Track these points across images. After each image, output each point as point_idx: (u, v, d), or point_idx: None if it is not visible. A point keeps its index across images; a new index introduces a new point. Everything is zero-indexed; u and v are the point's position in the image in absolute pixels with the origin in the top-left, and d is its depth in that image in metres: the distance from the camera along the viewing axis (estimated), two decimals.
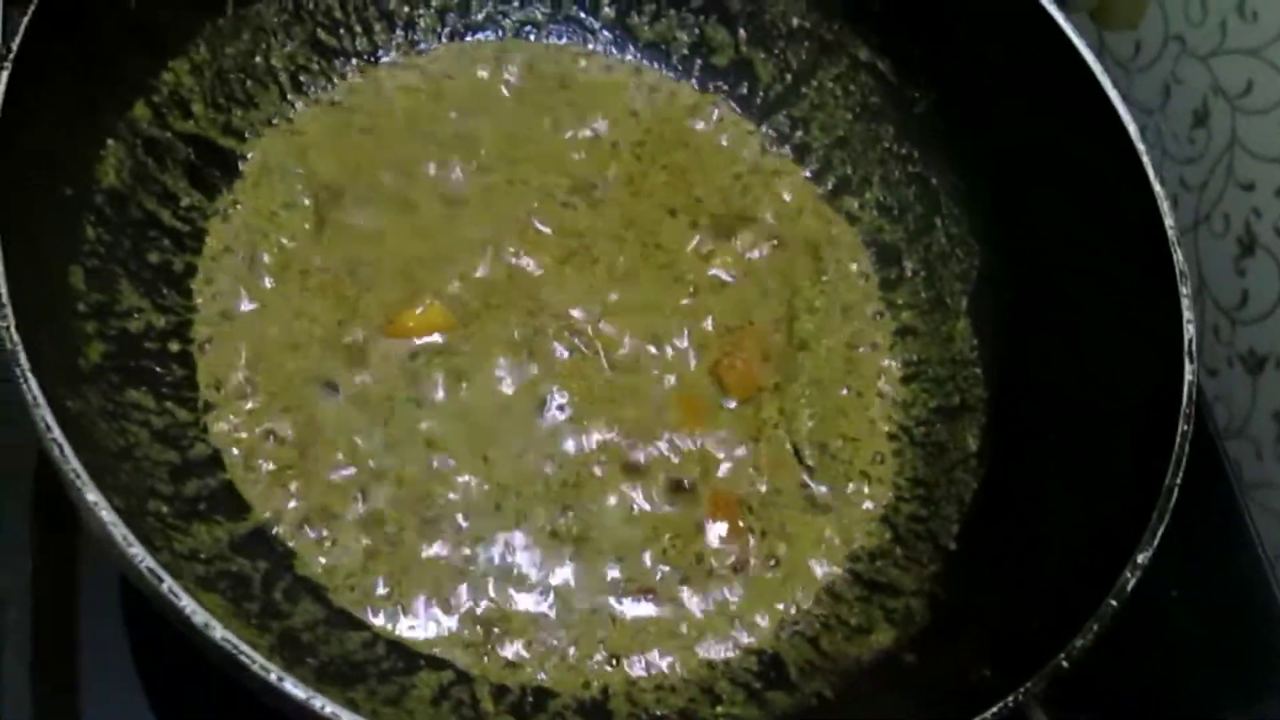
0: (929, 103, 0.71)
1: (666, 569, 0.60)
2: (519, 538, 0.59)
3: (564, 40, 0.74)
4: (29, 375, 0.45)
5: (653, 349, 0.65)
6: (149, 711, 0.56)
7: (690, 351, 0.66)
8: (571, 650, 0.57)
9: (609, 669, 0.57)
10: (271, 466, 0.58)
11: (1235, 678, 0.66)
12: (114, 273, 0.57)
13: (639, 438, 0.63)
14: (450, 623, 0.56)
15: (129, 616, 0.57)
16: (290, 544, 0.56)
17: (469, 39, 0.72)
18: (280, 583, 0.55)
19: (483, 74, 0.71)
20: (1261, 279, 0.75)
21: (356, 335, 0.62)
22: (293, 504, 0.57)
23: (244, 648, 0.43)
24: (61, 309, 0.54)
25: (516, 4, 0.73)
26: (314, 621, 0.54)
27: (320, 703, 0.42)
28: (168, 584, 0.43)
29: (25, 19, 0.52)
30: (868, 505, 0.64)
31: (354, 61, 0.69)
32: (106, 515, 0.44)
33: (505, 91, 0.71)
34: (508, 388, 0.62)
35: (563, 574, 0.58)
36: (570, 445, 0.62)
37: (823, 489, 0.64)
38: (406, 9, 0.71)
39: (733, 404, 0.65)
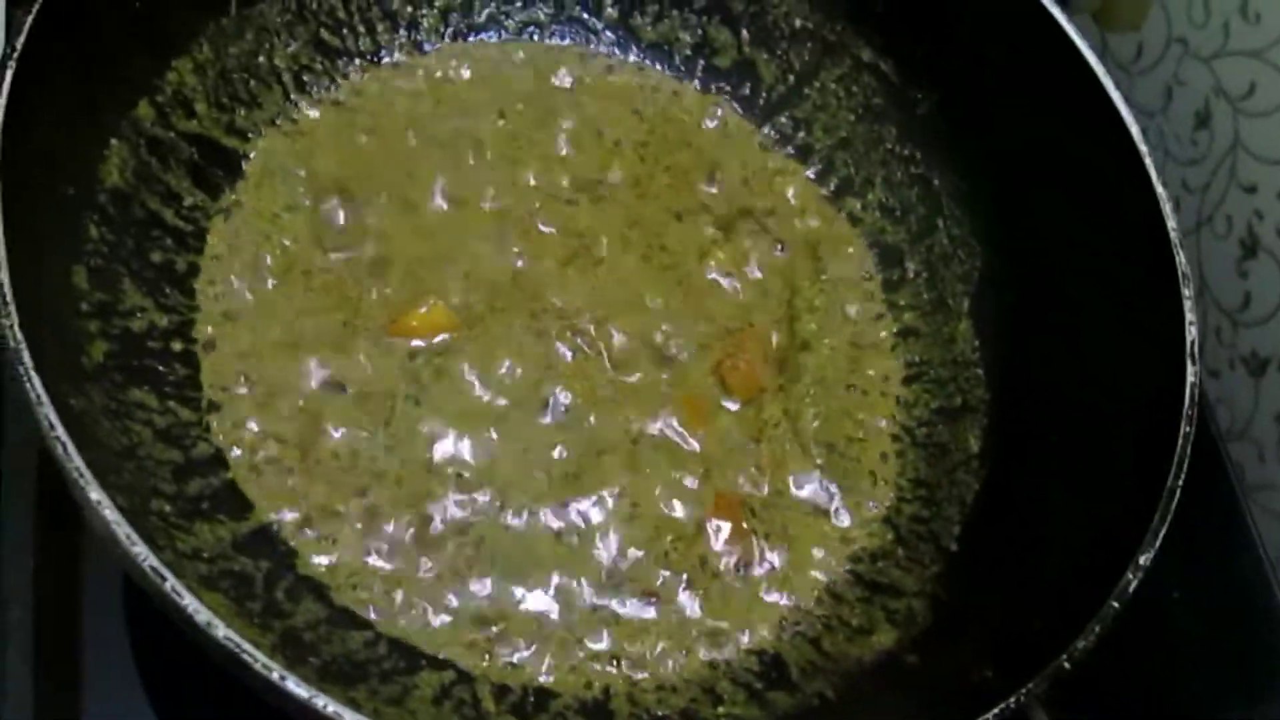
0: (931, 104, 0.71)
1: (668, 570, 0.60)
2: (521, 537, 0.59)
3: (567, 41, 0.74)
4: (32, 374, 0.45)
5: (655, 349, 0.65)
6: (150, 710, 0.56)
7: (693, 352, 0.66)
8: (573, 651, 0.57)
9: (611, 669, 0.57)
10: (274, 466, 0.58)
11: (1237, 679, 0.66)
12: (117, 272, 0.57)
13: (642, 437, 0.62)
14: (452, 623, 0.56)
15: (131, 615, 0.57)
16: (292, 543, 0.56)
17: (472, 39, 0.72)
18: (282, 582, 0.55)
19: (486, 75, 0.71)
20: (1264, 281, 0.75)
21: (359, 335, 0.62)
22: (295, 503, 0.57)
23: (246, 647, 0.43)
24: (64, 308, 0.54)
25: (519, 5, 0.73)
26: (316, 621, 0.54)
27: (323, 702, 0.42)
28: (170, 582, 0.43)
29: (29, 18, 0.52)
30: (870, 506, 0.64)
31: (357, 62, 0.69)
32: (110, 514, 0.44)
33: (508, 93, 0.71)
34: (510, 388, 0.62)
35: (564, 574, 0.58)
36: (572, 445, 0.61)
37: (826, 489, 0.64)
38: (410, 9, 0.71)
39: (735, 405, 0.65)
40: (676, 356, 0.65)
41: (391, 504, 0.58)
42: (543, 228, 0.67)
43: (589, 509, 0.60)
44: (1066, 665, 0.49)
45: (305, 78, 0.67)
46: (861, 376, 0.68)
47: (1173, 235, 0.59)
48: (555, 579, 0.58)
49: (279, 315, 0.61)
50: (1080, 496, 0.59)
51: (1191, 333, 0.56)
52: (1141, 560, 0.51)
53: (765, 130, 0.74)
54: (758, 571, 0.61)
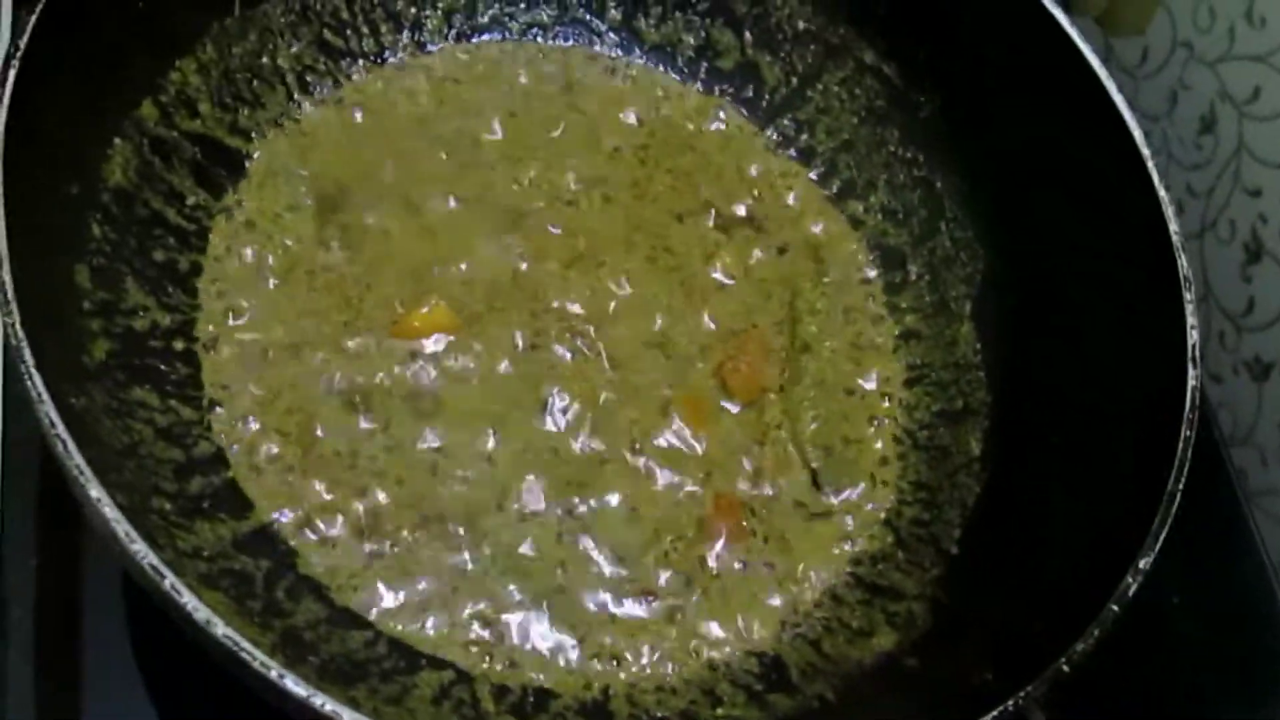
0: (934, 107, 0.71)
1: (668, 570, 0.60)
2: (520, 538, 0.59)
3: (570, 43, 0.74)
4: (34, 372, 0.46)
5: (656, 351, 0.65)
6: (151, 709, 0.56)
7: (694, 354, 0.66)
8: (572, 651, 0.57)
9: (610, 670, 0.57)
10: (275, 465, 0.58)
11: (1238, 683, 0.66)
12: (120, 271, 0.57)
13: (642, 439, 0.63)
14: (451, 622, 0.56)
15: (131, 615, 0.57)
16: (292, 542, 0.56)
17: (475, 41, 0.72)
18: (282, 581, 0.55)
19: (489, 76, 0.71)
20: (1268, 285, 0.75)
21: (361, 335, 0.62)
22: (295, 503, 0.57)
23: (245, 645, 0.43)
24: (67, 306, 0.54)
25: (523, 6, 0.73)
26: (316, 620, 0.54)
27: (321, 700, 0.42)
28: (169, 580, 0.43)
29: (33, 18, 0.52)
30: (870, 508, 0.64)
31: (360, 62, 0.69)
32: (110, 512, 0.44)
33: (511, 94, 0.71)
34: (510, 388, 0.62)
35: (564, 575, 0.58)
36: (572, 446, 0.62)
37: (826, 492, 0.64)
38: (413, 10, 0.71)
39: (736, 406, 0.65)
40: (677, 358, 0.65)
41: (391, 504, 0.58)
42: (544, 229, 0.67)
43: (589, 510, 0.60)
44: (1065, 668, 0.49)
45: (308, 78, 0.67)
46: (863, 379, 0.68)
47: (1175, 238, 0.59)
48: (555, 580, 0.58)
49: (281, 315, 0.61)
50: (1081, 500, 0.59)
51: (1193, 336, 0.56)
52: (1141, 564, 0.51)
53: (768, 132, 0.74)
54: (758, 573, 0.61)
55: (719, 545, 0.61)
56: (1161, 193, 0.59)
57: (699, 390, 0.65)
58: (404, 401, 0.61)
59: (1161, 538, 0.52)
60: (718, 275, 0.69)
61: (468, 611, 0.57)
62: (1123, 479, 0.57)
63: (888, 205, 0.72)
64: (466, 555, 0.58)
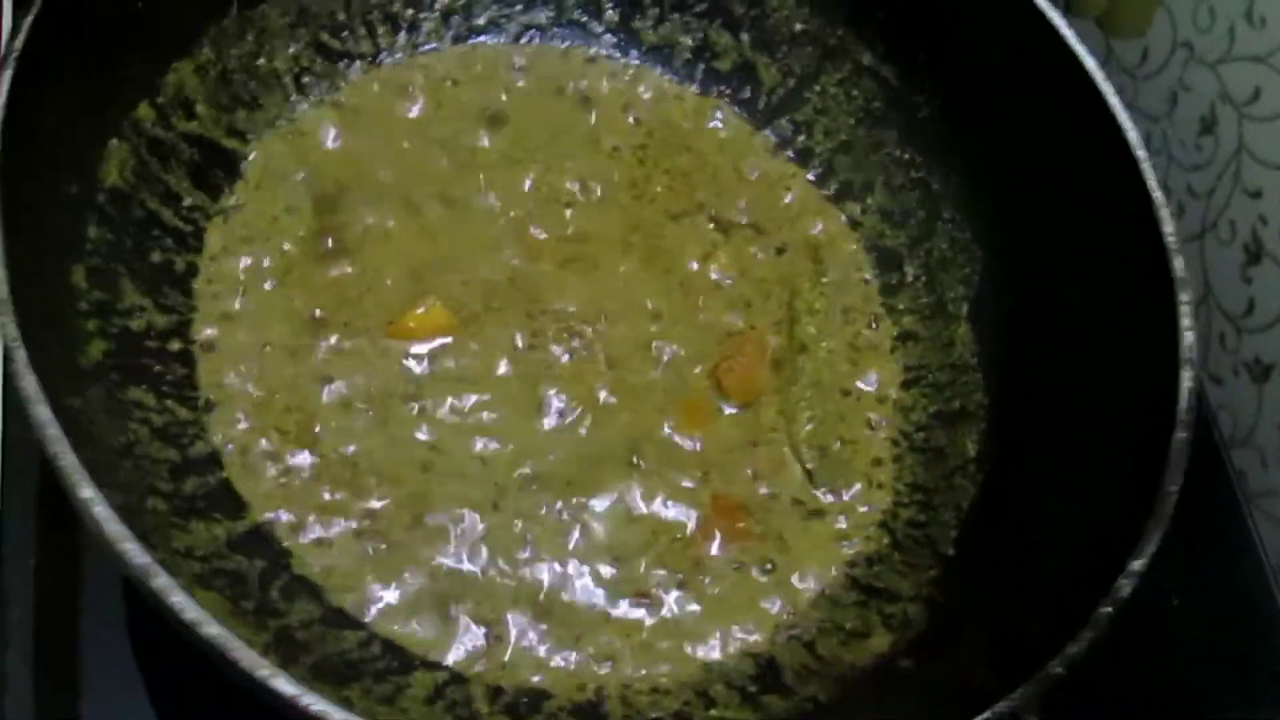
0: (932, 109, 0.70)
1: (663, 572, 0.60)
2: (516, 539, 0.59)
3: (567, 44, 0.74)
4: (28, 372, 0.46)
5: (653, 352, 0.65)
6: (150, 710, 0.56)
7: (691, 355, 0.66)
8: (567, 652, 0.57)
9: (604, 671, 0.57)
10: (270, 466, 0.58)
11: (1238, 683, 0.65)
12: (116, 271, 0.57)
13: (638, 440, 0.63)
14: (446, 623, 0.56)
15: (131, 615, 0.57)
16: (287, 543, 0.56)
17: (473, 42, 0.73)
18: (277, 581, 0.55)
19: (486, 77, 0.71)
20: (1268, 287, 0.75)
21: (358, 336, 0.62)
22: (291, 503, 0.57)
23: (235, 644, 0.43)
24: (63, 307, 0.54)
25: (520, 8, 0.73)
26: (310, 620, 0.54)
27: (309, 700, 0.43)
28: (159, 580, 0.43)
29: (29, 18, 0.52)
30: (866, 510, 0.64)
31: (358, 64, 0.69)
32: (100, 511, 0.44)
33: (508, 95, 0.71)
34: (507, 389, 0.62)
35: (559, 575, 0.58)
36: (569, 447, 0.62)
37: (822, 493, 0.64)
38: (410, 12, 0.71)
39: (733, 408, 0.65)
40: (674, 359, 0.65)
41: (387, 504, 0.58)
42: (541, 230, 0.67)
43: (585, 511, 0.60)
44: (1059, 671, 0.49)
45: (306, 80, 0.68)
46: (859, 380, 0.68)
47: (1169, 240, 0.58)
48: (550, 580, 0.58)
49: (277, 316, 0.62)
50: (1077, 502, 0.59)
51: (1187, 338, 0.56)
52: (1135, 566, 0.51)
53: (766, 133, 0.74)
54: (753, 575, 0.61)
55: (715, 546, 0.61)
56: (1156, 195, 0.59)
57: (696, 391, 0.65)
58: (400, 403, 0.61)
59: (1156, 540, 0.52)
60: (715, 276, 0.69)
61: (462, 612, 0.57)
62: (1119, 481, 0.57)
63: (885, 207, 0.72)
64: (462, 556, 0.58)
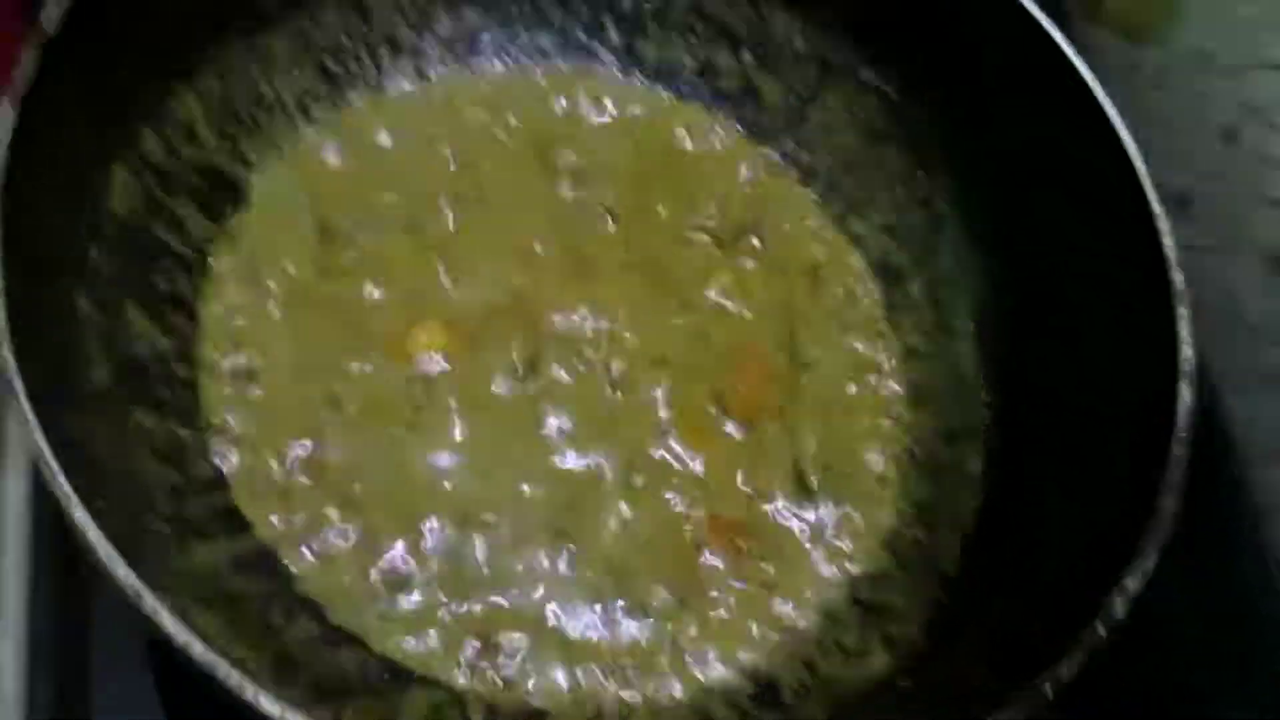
0: (934, 125, 0.70)
1: (664, 590, 0.60)
2: (516, 557, 0.59)
3: (571, 65, 0.74)
4: (24, 399, 0.47)
5: (654, 370, 0.65)
6: (155, 710, 0.56)
7: (692, 373, 0.66)
8: (566, 671, 0.57)
9: (603, 690, 0.57)
10: (272, 486, 0.58)
11: (1238, 683, 0.64)
12: (121, 297, 0.58)
13: (639, 459, 0.63)
14: (444, 641, 0.56)
15: (131, 616, 0.57)
16: (288, 563, 0.57)
17: (476, 66, 0.73)
18: (278, 601, 0.55)
19: (489, 100, 0.72)
20: None
21: (361, 358, 0.62)
22: (292, 524, 0.58)
23: (223, 665, 0.43)
24: (67, 333, 0.55)
25: (524, 32, 0.74)
26: (309, 638, 0.54)
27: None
28: (148, 601, 0.44)
29: (33, 49, 0.53)
30: (869, 528, 0.64)
31: (361, 88, 0.70)
32: (92, 534, 0.45)
33: (512, 117, 0.72)
34: (508, 408, 0.63)
35: (558, 594, 0.59)
36: (569, 465, 0.62)
37: (824, 512, 0.64)
38: (414, 38, 0.72)
39: (735, 426, 0.65)
40: (676, 378, 0.65)
41: (388, 524, 0.59)
42: (543, 249, 0.68)
43: (585, 529, 0.60)
44: (1048, 691, 0.48)
45: (309, 104, 0.68)
46: (862, 398, 0.67)
47: (1168, 252, 0.58)
48: (550, 599, 0.58)
49: (281, 338, 0.62)
50: (1080, 521, 0.58)
51: (1186, 350, 0.55)
52: (1129, 585, 0.51)
53: (768, 152, 0.74)
54: (754, 593, 0.61)
55: (715, 565, 0.61)
56: (1155, 207, 0.58)
57: (698, 410, 0.65)
58: (402, 422, 0.61)
59: (1154, 560, 0.52)
60: (717, 294, 0.69)
61: (461, 630, 0.57)
62: (1119, 499, 0.56)
63: (888, 224, 0.72)
64: (461, 574, 0.58)
